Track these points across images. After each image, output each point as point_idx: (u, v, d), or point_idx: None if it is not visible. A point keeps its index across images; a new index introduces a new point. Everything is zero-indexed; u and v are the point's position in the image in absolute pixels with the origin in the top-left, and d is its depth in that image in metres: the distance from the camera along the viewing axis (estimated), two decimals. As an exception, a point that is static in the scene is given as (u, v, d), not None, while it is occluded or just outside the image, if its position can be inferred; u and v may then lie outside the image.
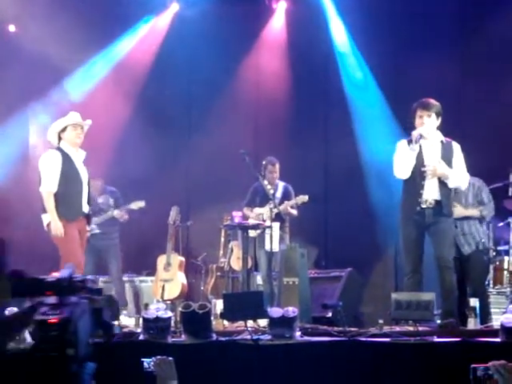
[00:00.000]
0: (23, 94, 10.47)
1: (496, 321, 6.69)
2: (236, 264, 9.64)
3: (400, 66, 10.05)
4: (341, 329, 6.20)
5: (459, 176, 7.03)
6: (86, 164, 7.50)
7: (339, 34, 10.82)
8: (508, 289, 7.99)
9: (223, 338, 5.99)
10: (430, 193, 6.94)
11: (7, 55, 10.46)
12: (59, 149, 7.33)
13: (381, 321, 6.29)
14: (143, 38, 11.26)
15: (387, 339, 5.81)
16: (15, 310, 2.60)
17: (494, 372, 3.32)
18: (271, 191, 8.95)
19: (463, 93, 9.58)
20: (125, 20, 11.05)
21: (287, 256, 7.93)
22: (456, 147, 7.11)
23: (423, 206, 6.91)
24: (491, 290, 8.06)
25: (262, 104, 11.08)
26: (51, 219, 7.15)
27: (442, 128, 7.10)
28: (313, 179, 10.44)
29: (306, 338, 6.03)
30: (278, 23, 11.19)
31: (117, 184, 9.86)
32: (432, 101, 7.05)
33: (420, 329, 6.06)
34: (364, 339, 5.88)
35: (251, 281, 8.73)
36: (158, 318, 5.91)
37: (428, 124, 6.98)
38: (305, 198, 8.97)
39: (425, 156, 6.99)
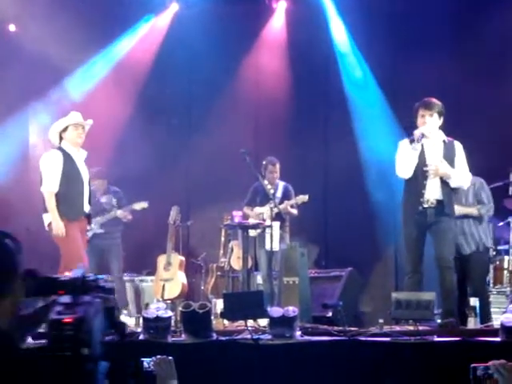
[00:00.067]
0: (23, 93, 10.47)
1: (496, 320, 6.69)
2: (236, 263, 9.64)
3: (400, 66, 10.05)
4: (341, 328, 6.20)
5: (461, 176, 7.03)
6: (87, 164, 7.51)
7: (339, 33, 10.82)
8: (508, 288, 7.99)
9: (223, 338, 6.00)
10: (432, 192, 6.94)
11: (7, 55, 10.46)
12: (60, 149, 7.33)
13: (381, 320, 6.30)
14: (143, 38, 11.26)
15: (387, 339, 5.82)
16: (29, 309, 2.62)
17: (494, 371, 3.32)
18: (271, 191, 8.95)
19: (463, 92, 9.56)
20: (125, 20, 11.05)
21: (287, 255, 7.94)
22: (458, 146, 7.11)
23: (425, 206, 6.90)
24: (491, 289, 8.06)
25: (262, 103, 11.08)
26: (52, 219, 7.15)
27: (443, 127, 7.11)
28: (313, 178, 10.44)
29: (306, 338, 6.04)
30: (278, 23, 11.19)
31: (117, 184, 9.85)
32: (434, 100, 7.04)
33: (420, 328, 6.07)
34: (364, 339, 5.89)
35: (251, 280, 8.74)
36: (158, 318, 5.91)
37: (430, 123, 6.97)
38: (305, 197, 8.98)
39: (427, 155, 6.99)
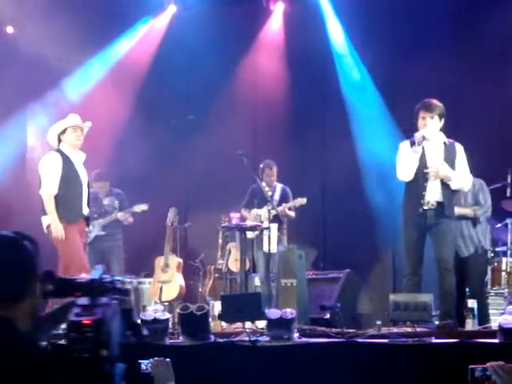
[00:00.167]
0: (21, 95, 10.45)
1: (494, 322, 6.69)
2: (234, 265, 9.63)
3: (398, 67, 10.03)
4: (339, 330, 6.22)
5: (462, 178, 7.01)
6: (86, 165, 7.51)
7: (337, 34, 10.81)
8: (506, 290, 7.98)
9: (221, 340, 6.00)
10: (433, 194, 6.92)
11: (5, 56, 10.45)
12: (59, 151, 7.33)
13: (379, 322, 6.30)
14: (141, 39, 11.26)
15: (385, 340, 5.82)
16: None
17: (491, 373, 3.32)
18: (269, 193, 8.95)
19: (462, 93, 9.56)
20: (123, 21, 11.05)
21: (285, 257, 7.93)
22: (459, 148, 7.09)
23: (425, 208, 6.89)
24: (489, 291, 8.06)
25: (260, 105, 11.08)
26: (51, 221, 7.15)
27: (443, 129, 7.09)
28: (311, 180, 10.44)
29: (304, 340, 6.04)
30: (275, 24, 11.19)
31: (115, 185, 9.86)
32: (435, 102, 7.01)
33: (418, 330, 6.07)
34: (362, 340, 5.89)
35: (249, 282, 8.72)
36: (155, 320, 5.91)
37: (431, 126, 6.94)
38: (303, 200, 8.98)
39: (428, 158, 6.96)
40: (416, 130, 7.02)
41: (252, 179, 8.85)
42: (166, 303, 8.77)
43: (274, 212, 8.61)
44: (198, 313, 6.00)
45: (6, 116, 10.48)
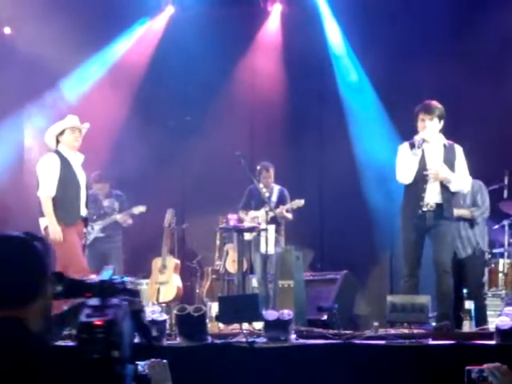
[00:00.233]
0: (18, 96, 10.45)
1: (491, 323, 6.69)
2: (231, 267, 9.63)
3: (396, 68, 10.02)
4: (336, 331, 6.21)
5: (461, 180, 7.01)
6: (84, 167, 7.50)
7: (334, 36, 10.82)
8: (503, 291, 7.98)
9: (218, 341, 5.99)
10: (432, 196, 6.92)
11: (2, 57, 10.45)
12: (57, 152, 7.32)
13: (376, 323, 6.30)
14: (139, 40, 11.25)
15: (382, 342, 5.82)
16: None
17: (488, 374, 3.31)
18: (266, 194, 8.94)
19: (460, 94, 9.56)
20: (120, 22, 11.04)
21: (282, 259, 7.93)
22: (458, 150, 7.08)
23: (424, 210, 6.88)
24: (486, 292, 8.06)
25: (258, 106, 11.08)
26: (49, 223, 7.13)
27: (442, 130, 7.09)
28: (308, 181, 10.45)
29: (301, 341, 6.03)
30: (273, 25, 11.19)
31: (114, 186, 9.86)
32: (434, 104, 6.99)
33: (415, 331, 6.07)
34: (359, 342, 5.88)
35: (246, 283, 8.73)
36: (153, 321, 5.90)
37: (430, 128, 6.93)
38: (300, 202, 8.98)
39: (427, 160, 6.96)
40: (415, 131, 7.02)
41: (249, 180, 8.85)
42: (164, 304, 8.77)
43: (271, 214, 8.62)
44: (196, 314, 5.99)
45: (3, 117, 10.48)
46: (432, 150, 6.99)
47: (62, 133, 7.34)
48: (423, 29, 9.93)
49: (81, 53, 10.60)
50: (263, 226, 8.55)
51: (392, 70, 10.10)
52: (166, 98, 11.02)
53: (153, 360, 4.01)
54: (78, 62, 10.80)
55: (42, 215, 7.23)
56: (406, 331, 6.14)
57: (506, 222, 8.33)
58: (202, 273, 10.23)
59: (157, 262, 9.35)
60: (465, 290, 7.52)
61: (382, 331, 6.17)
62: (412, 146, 6.93)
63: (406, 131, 7.53)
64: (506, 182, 8.28)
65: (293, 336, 6.02)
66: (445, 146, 7.04)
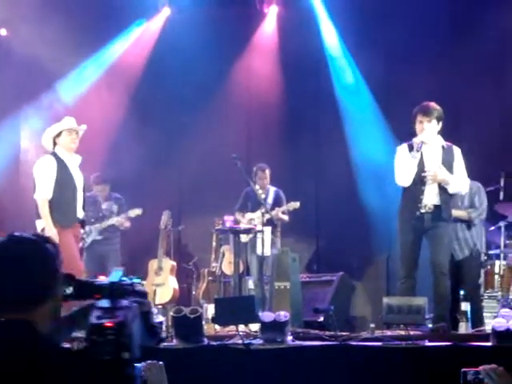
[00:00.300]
0: (15, 97, 10.43)
1: (488, 325, 6.69)
2: (228, 268, 9.63)
3: (392, 69, 10.02)
4: (332, 333, 6.21)
5: (459, 181, 7.01)
6: (81, 168, 7.49)
7: (330, 37, 10.82)
8: (499, 293, 7.98)
9: (214, 343, 5.99)
10: (430, 198, 6.92)
11: (-2, 59, 10.44)
12: (54, 154, 7.30)
13: (372, 325, 6.30)
14: (135, 42, 11.24)
15: (379, 343, 5.82)
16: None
17: (484, 376, 3.31)
18: (262, 196, 8.95)
19: (457, 95, 9.56)
20: (117, 23, 11.03)
21: (279, 260, 7.92)
22: (457, 152, 7.09)
23: (422, 211, 6.88)
24: (482, 294, 8.05)
25: (254, 108, 11.07)
26: (46, 225, 7.12)
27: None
28: (305, 183, 10.44)
29: (298, 343, 6.03)
30: (269, 27, 11.19)
31: (110, 187, 9.85)
32: (432, 106, 6.98)
33: (411, 333, 6.07)
34: (355, 343, 5.88)
35: (243, 285, 8.73)
36: (149, 323, 5.89)
37: (428, 130, 6.93)
38: (296, 204, 8.99)
39: (425, 161, 6.96)
40: (414, 133, 7.01)
41: (246, 182, 8.85)
42: (160, 306, 8.76)
43: (267, 215, 8.62)
44: (192, 316, 5.98)
45: (0, 118, 10.46)
46: (430, 152, 6.99)
47: (58, 135, 7.33)
48: (419, 30, 9.93)
49: (77, 54, 10.59)
50: (259, 227, 8.55)
51: (388, 72, 10.10)
52: (162, 100, 11.00)
53: (149, 362, 4.01)
54: (74, 64, 10.79)
55: (39, 217, 7.22)
56: (403, 333, 6.14)
57: (502, 224, 8.33)
58: (198, 274, 10.22)
59: (153, 264, 9.35)
60: (461, 292, 7.52)
61: (378, 333, 6.17)
62: (410, 147, 6.93)
63: (403, 133, 7.54)
64: (502, 183, 8.28)
65: (289, 338, 6.02)
66: (443, 147, 7.03)
